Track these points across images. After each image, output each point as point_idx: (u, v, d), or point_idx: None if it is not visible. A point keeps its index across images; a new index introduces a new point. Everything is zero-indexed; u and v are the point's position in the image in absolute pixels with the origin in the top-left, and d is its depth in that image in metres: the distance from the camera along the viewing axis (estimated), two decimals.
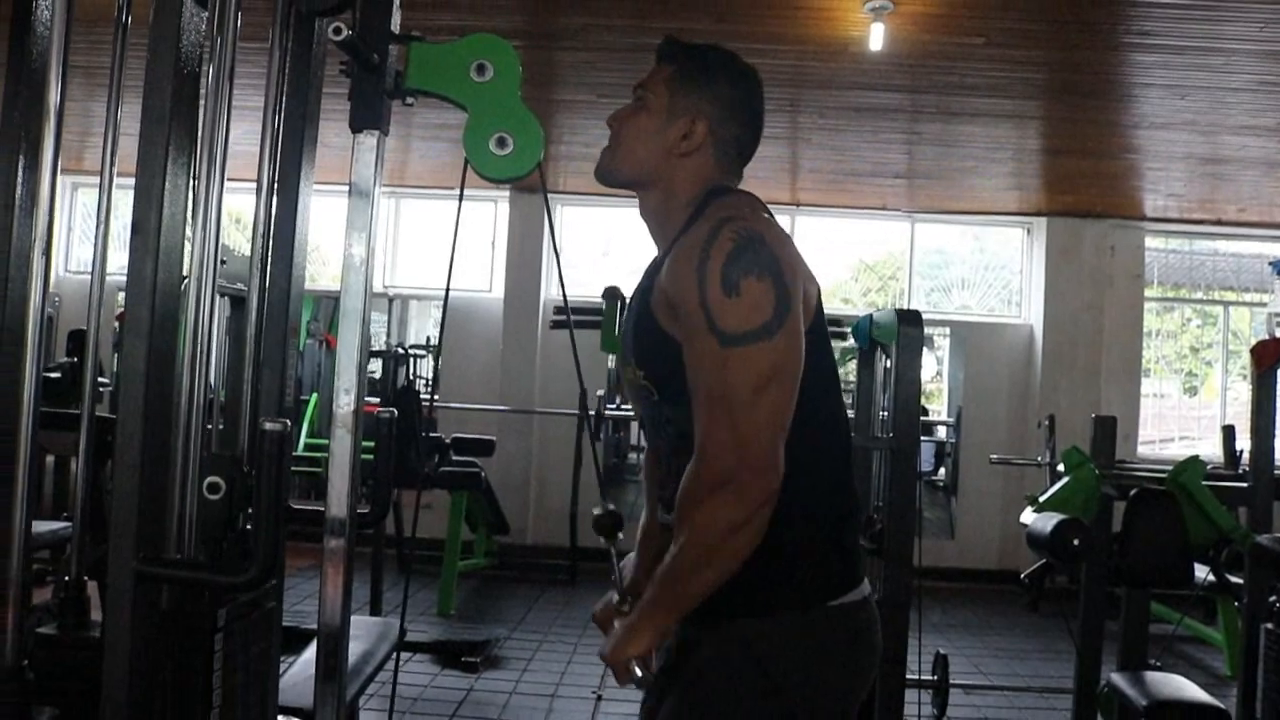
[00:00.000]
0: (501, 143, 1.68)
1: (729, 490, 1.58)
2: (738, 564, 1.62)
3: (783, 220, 9.01)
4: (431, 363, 9.50)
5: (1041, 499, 4.43)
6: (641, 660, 1.65)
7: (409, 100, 1.69)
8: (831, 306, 9.94)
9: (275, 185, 1.78)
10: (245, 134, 1.76)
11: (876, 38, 4.96)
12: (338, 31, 1.53)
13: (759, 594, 1.70)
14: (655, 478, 1.93)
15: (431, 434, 7.32)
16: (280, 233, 1.79)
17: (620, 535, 1.90)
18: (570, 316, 2.51)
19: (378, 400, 8.83)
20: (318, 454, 8.40)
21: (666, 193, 1.84)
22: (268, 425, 1.51)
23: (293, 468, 1.67)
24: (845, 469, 1.83)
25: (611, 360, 8.64)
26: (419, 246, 9.47)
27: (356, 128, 1.63)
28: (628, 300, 1.95)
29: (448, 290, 1.97)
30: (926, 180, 8.17)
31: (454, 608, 6.66)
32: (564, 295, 2.09)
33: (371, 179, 1.61)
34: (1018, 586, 7.90)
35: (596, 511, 1.91)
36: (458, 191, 1.79)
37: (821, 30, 5.02)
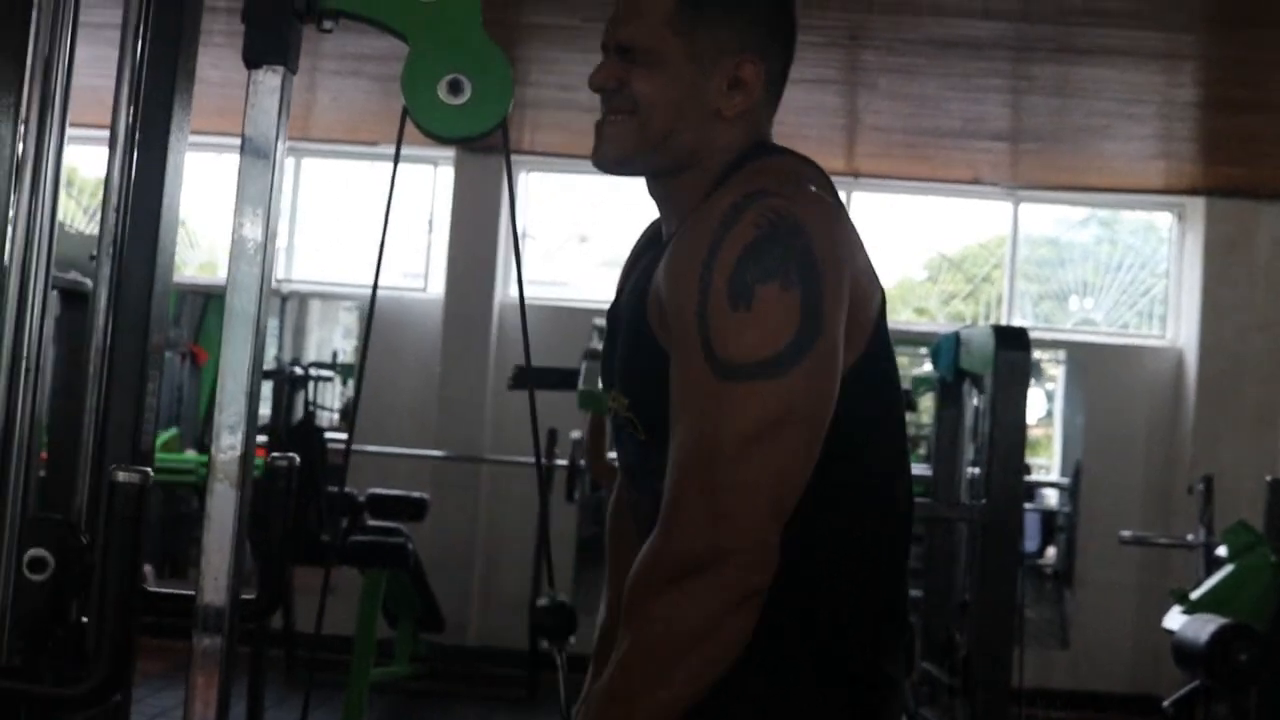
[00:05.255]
0: (455, 87, 1.67)
1: (699, 579, 1.57)
2: (709, 679, 1.60)
3: None
4: (340, 388, 9.49)
5: (1194, 596, 4.42)
6: None
7: (326, 25, 1.69)
8: (900, 318, 9.97)
9: (136, 136, 1.77)
10: (93, 62, 1.75)
11: None
12: None
13: None
14: (621, 553, 1.92)
15: (340, 489, 7.29)
16: (141, 203, 1.79)
17: (572, 639, 1.90)
18: (527, 334, 2.24)
19: (265, 440, 8.82)
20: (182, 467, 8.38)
21: (703, 169, 1.79)
22: (119, 476, 1.50)
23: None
24: (895, 568, 1.81)
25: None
26: (323, 225, 9.47)
27: (253, 61, 1.62)
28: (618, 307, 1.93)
29: (375, 288, 1.92)
30: (1037, 144, 8.19)
31: None
32: (522, 307, 1.99)
33: (273, 132, 1.60)
34: (1159, 718, 7.88)
35: (541, 603, 1.91)
36: (392, 150, 1.78)
37: None
